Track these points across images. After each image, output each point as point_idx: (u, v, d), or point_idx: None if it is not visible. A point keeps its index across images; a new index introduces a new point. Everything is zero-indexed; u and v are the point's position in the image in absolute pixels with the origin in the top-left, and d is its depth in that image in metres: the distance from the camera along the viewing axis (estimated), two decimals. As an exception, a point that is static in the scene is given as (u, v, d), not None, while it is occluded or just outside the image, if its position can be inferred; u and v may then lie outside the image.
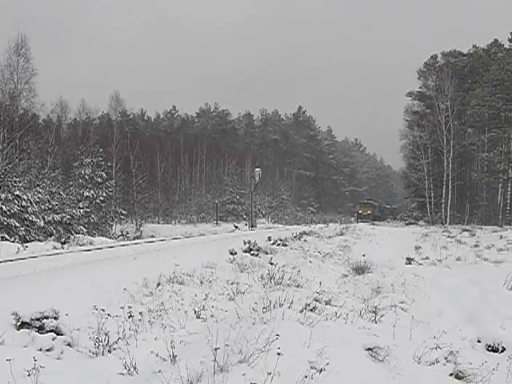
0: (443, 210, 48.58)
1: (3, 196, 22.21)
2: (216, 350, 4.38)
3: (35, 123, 42.28)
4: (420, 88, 55.82)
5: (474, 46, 55.15)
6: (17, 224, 22.19)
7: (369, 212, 62.33)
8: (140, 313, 6.74)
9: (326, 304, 7.87)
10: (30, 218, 23.35)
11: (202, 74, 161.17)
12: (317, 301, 7.77)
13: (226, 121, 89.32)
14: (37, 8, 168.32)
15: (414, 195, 56.78)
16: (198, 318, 7.20)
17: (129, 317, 6.48)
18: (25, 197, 23.21)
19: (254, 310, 6.77)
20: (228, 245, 16.14)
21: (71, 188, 33.48)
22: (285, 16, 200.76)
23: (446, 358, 5.68)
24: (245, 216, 55.85)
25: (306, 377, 4.21)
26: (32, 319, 5.63)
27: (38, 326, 5.59)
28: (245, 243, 15.59)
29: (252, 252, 14.35)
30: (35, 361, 4.45)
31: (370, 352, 5.29)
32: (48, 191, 27.79)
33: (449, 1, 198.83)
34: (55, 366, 4.95)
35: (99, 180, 34.91)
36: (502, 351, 6.42)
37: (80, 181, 34.45)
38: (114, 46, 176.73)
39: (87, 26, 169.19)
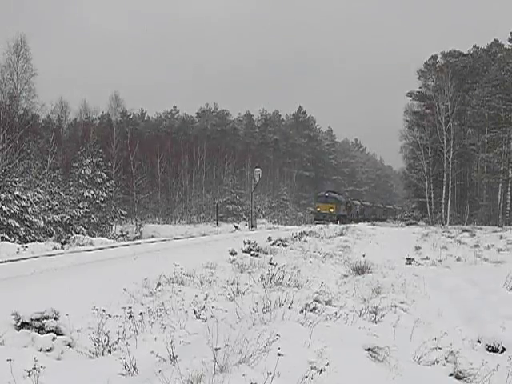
0: (443, 210, 48.61)
1: (3, 196, 22.20)
2: (216, 350, 4.38)
3: (35, 123, 42.36)
4: (420, 88, 55.94)
5: (474, 46, 55.28)
6: (17, 224, 22.19)
7: (331, 210, 49.01)
8: (140, 313, 6.72)
9: (326, 304, 7.85)
10: (30, 219, 23.34)
11: (202, 74, 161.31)
12: (317, 301, 7.75)
13: (225, 121, 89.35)
14: (36, 7, 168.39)
15: (414, 195, 56.84)
16: (198, 318, 7.19)
17: (129, 317, 6.47)
18: (25, 197, 23.20)
19: (254, 310, 6.74)
20: (228, 245, 16.13)
21: (71, 188, 33.47)
22: (285, 16, 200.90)
23: (446, 359, 5.68)
24: (245, 216, 55.81)
25: (306, 377, 4.20)
26: (32, 319, 5.62)
27: (37, 326, 5.58)
28: (245, 243, 15.57)
29: (252, 252, 14.33)
30: (35, 361, 4.45)
31: (370, 352, 5.28)
32: (48, 191, 27.79)
33: (449, 1, 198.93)
34: (55, 367, 4.95)
35: (99, 180, 34.92)
36: (502, 351, 6.41)
37: (80, 181, 34.45)
38: (114, 46, 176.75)
39: (87, 25, 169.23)
